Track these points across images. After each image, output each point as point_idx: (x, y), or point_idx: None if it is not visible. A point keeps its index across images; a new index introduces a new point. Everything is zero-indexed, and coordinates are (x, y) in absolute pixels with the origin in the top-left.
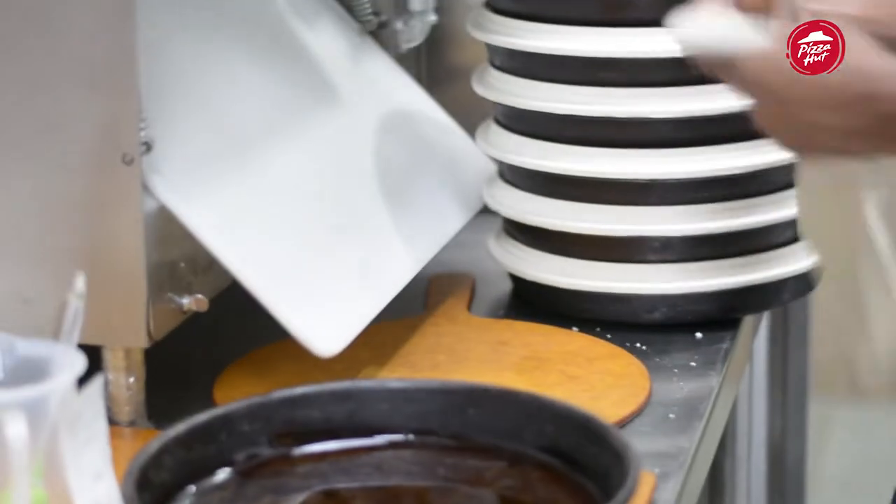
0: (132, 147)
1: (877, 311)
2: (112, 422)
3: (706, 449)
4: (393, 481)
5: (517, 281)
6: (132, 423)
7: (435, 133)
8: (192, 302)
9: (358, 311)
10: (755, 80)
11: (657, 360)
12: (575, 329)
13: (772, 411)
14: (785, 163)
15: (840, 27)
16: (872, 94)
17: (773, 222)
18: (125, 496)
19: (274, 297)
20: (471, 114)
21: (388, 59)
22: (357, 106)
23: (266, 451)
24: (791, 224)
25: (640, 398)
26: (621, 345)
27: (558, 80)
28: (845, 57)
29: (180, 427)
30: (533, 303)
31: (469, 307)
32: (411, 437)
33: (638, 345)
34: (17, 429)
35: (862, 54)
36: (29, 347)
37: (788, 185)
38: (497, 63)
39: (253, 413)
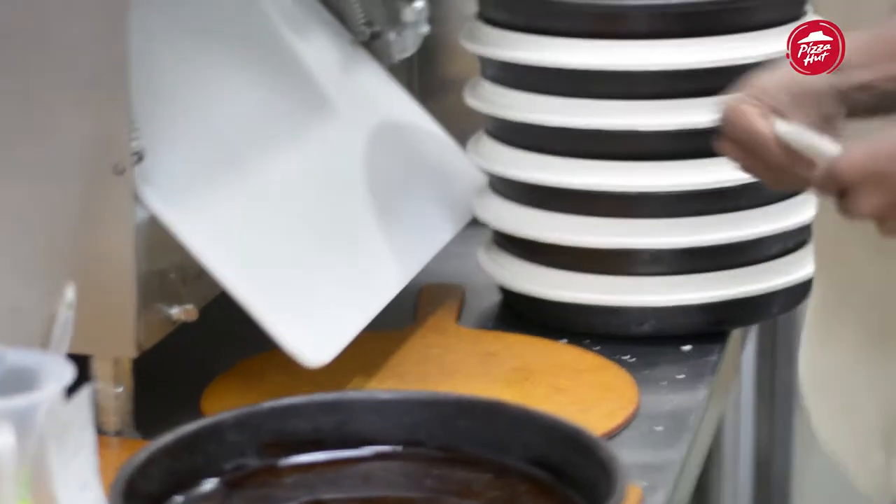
0: (123, 157)
1: None
2: (100, 431)
3: (693, 461)
4: (380, 492)
5: (506, 293)
6: (119, 433)
7: (426, 144)
8: (182, 312)
9: (347, 322)
10: (868, 172)
11: (645, 372)
12: (564, 341)
13: (759, 424)
14: None
15: None
16: None
17: (762, 235)
18: None
19: (263, 308)
20: (462, 125)
21: (380, 69)
22: (348, 116)
23: (253, 462)
24: (780, 237)
25: (628, 411)
26: (610, 357)
27: (550, 93)
28: None
29: (168, 437)
30: (522, 314)
31: (458, 318)
32: (399, 448)
33: (626, 357)
34: (5, 438)
35: None
36: (18, 357)
37: (778, 198)
38: (489, 75)
39: (241, 423)
